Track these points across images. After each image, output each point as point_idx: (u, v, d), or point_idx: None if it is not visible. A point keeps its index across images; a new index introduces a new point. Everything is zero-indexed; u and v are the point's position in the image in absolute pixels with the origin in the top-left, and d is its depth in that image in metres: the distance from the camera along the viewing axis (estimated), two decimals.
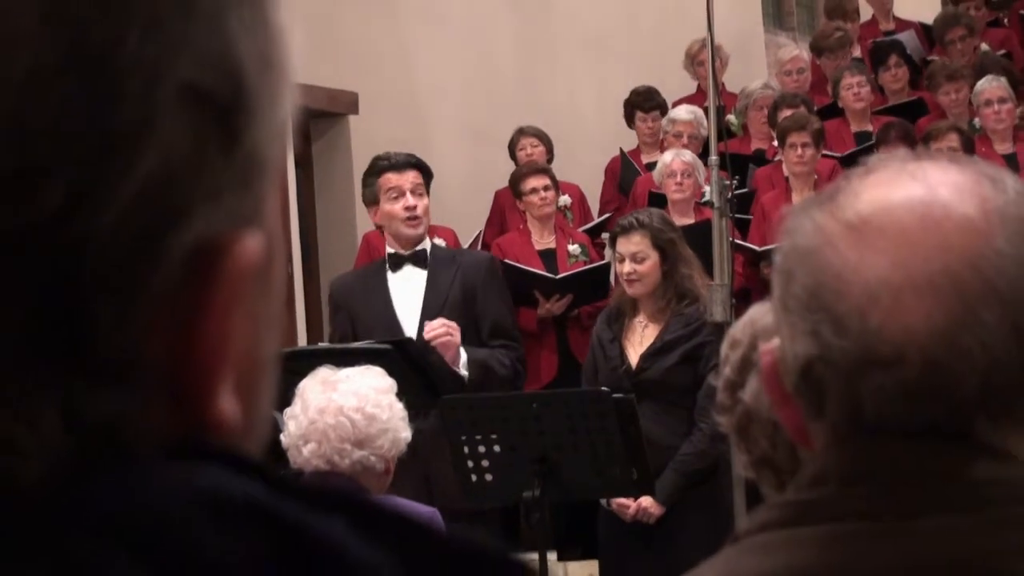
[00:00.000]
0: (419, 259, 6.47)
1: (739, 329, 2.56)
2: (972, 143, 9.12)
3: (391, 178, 6.46)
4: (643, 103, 10.55)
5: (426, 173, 6.53)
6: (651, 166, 9.68)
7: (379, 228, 7.02)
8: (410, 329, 6.27)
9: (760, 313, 2.54)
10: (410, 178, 6.44)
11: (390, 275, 6.50)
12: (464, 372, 6.14)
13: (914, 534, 1.42)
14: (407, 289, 6.44)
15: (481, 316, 6.38)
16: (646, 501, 6.16)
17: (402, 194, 6.43)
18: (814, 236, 1.47)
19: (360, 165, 10.07)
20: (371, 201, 6.57)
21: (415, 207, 6.41)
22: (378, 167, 6.59)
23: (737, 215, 7.42)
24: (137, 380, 0.64)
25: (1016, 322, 1.40)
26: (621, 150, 10.68)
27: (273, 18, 0.68)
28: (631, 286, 6.41)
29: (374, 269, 6.72)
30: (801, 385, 1.47)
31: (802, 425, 1.49)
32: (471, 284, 6.40)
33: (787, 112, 9.76)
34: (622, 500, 6.19)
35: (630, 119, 10.66)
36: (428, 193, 6.53)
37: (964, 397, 1.40)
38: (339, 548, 0.65)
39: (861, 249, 1.43)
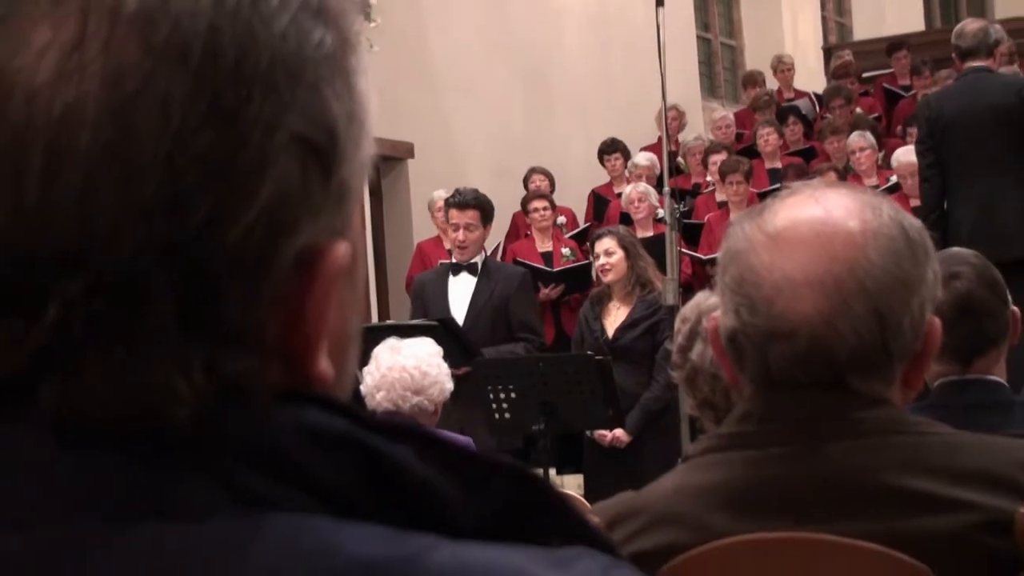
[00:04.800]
0: (472, 269, 6.39)
1: (688, 309, 2.55)
2: (846, 178, 9.15)
3: (453, 213, 6.33)
4: (607, 149, 10.71)
5: (484, 210, 6.32)
6: (620, 195, 9.74)
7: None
8: (459, 321, 6.21)
9: (703, 298, 2.54)
10: (467, 216, 6.26)
11: (451, 279, 6.42)
12: None
13: (813, 455, 1.43)
14: (460, 292, 6.38)
15: (512, 316, 6.33)
16: (619, 432, 6.16)
17: (457, 229, 6.33)
18: (743, 241, 1.47)
19: (416, 194, 10.23)
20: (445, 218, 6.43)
21: (464, 240, 6.30)
22: (449, 202, 6.45)
23: (685, 221, 7.47)
24: (259, 347, 0.63)
25: (878, 313, 1.40)
26: (592, 191, 10.74)
27: (358, 87, 0.67)
28: (606, 275, 6.40)
29: (441, 272, 6.58)
30: (728, 348, 1.48)
31: (735, 374, 1.50)
32: (506, 293, 6.34)
33: (714, 156, 9.95)
34: (601, 431, 6.18)
35: (601, 161, 10.77)
36: (486, 223, 6.34)
37: (839, 362, 1.41)
38: (407, 467, 0.64)
39: (773, 254, 1.43)
